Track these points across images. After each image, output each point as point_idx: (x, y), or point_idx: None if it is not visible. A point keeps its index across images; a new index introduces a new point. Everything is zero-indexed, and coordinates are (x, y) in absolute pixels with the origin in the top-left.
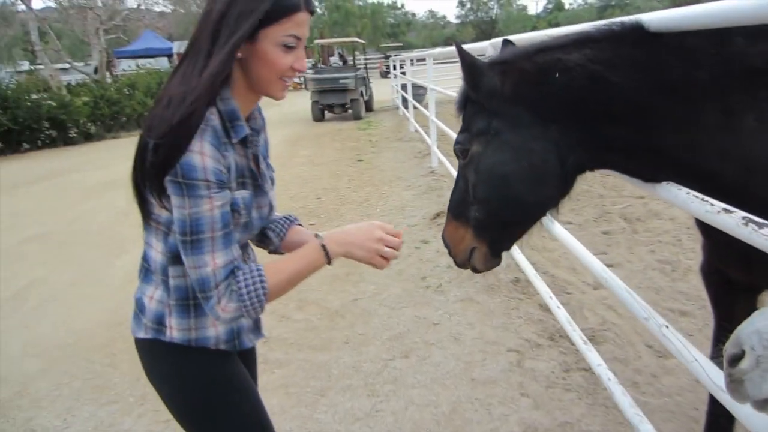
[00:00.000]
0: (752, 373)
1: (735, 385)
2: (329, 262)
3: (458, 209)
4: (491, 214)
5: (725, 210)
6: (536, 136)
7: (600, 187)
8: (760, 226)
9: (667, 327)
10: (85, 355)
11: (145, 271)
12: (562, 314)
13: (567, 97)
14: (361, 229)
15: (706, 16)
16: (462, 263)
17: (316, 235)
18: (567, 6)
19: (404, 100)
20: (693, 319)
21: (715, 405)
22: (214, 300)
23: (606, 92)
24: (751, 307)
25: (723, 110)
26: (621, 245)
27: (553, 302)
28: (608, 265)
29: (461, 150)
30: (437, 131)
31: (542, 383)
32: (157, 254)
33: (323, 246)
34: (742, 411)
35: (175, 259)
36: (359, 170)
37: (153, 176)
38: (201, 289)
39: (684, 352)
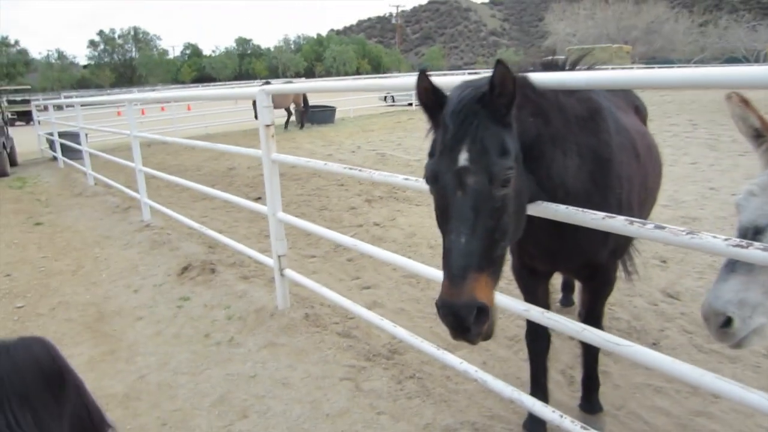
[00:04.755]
0: (742, 326)
1: (726, 337)
2: None
3: (487, 256)
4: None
5: (608, 216)
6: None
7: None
8: (644, 224)
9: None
10: None
11: None
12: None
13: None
14: None
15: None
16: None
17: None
18: (206, 53)
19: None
20: None
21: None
22: None
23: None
24: (546, 286)
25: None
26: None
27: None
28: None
29: (506, 177)
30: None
31: (387, 398)
32: None
33: None
34: None
35: None
36: (45, 235)
37: None
38: None
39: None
